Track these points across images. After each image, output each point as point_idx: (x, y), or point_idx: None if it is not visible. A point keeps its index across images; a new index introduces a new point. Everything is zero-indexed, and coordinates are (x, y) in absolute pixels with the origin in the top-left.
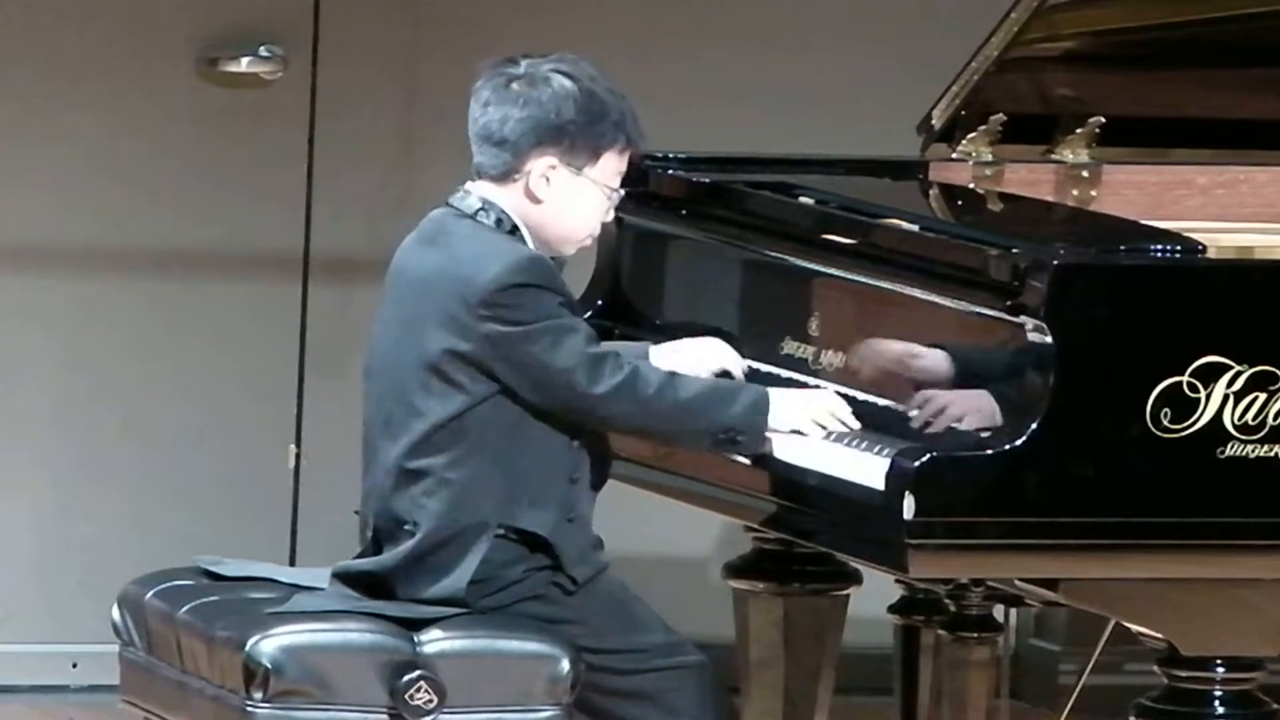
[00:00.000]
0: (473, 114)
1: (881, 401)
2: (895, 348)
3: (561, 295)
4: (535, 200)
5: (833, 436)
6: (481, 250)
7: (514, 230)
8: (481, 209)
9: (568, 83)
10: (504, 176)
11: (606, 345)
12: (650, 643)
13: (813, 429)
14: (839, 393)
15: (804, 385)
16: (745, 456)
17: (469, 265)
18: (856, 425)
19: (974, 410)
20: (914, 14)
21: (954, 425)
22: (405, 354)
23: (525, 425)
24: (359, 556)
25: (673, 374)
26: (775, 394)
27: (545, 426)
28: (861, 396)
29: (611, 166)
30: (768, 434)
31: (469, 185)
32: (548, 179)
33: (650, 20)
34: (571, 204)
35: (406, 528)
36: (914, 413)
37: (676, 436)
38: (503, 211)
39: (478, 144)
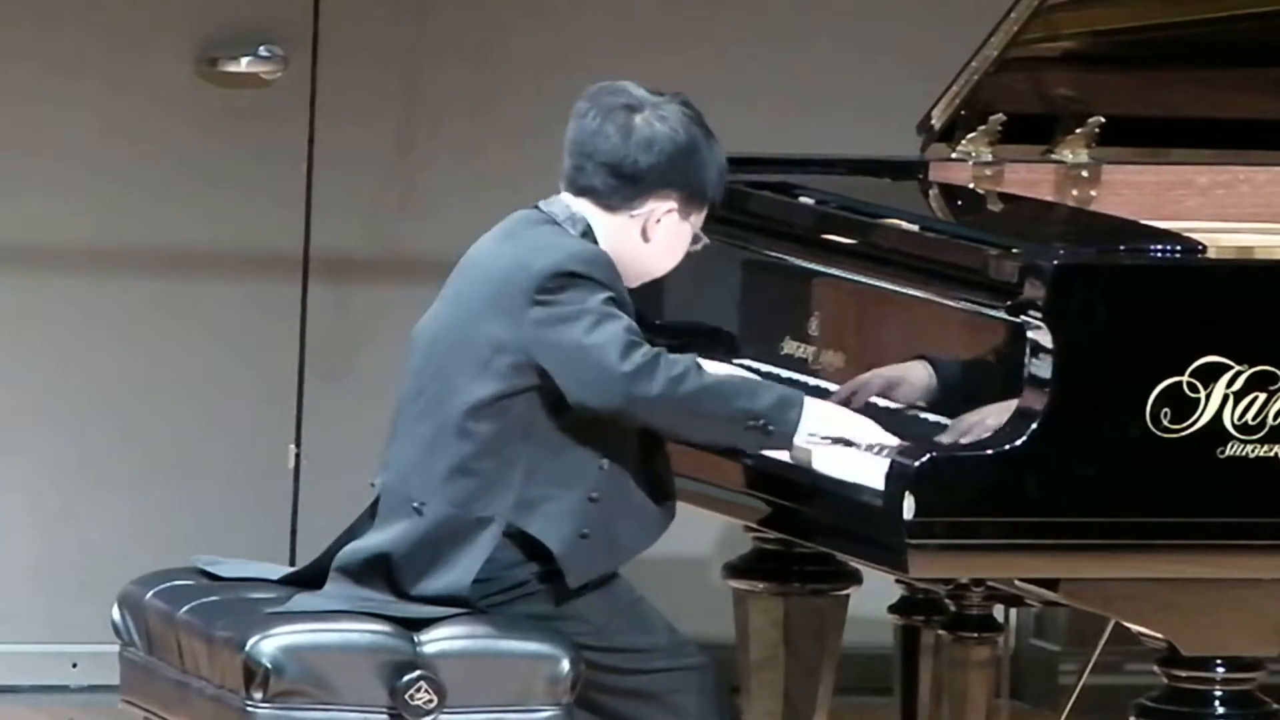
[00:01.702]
0: (590, 139)
1: (882, 403)
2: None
3: (614, 291)
4: (646, 239)
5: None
6: (549, 243)
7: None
8: (569, 219)
9: (695, 129)
10: (616, 207)
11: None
12: (654, 643)
13: (854, 436)
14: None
15: (803, 385)
16: (776, 451)
17: (532, 254)
18: (895, 443)
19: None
20: (914, 14)
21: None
22: (453, 333)
23: (555, 435)
24: (353, 526)
25: (700, 363)
26: (813, 400)
27: (574, 440)
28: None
29: (704, 214)
30: (801, 434)
31: (565, 198)
32: (660, 220)
33: (651, 20)
34: (671, 246)
35: (414, 506)
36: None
37: (705, 424)
38: (589, 227)
39: (598, 170)
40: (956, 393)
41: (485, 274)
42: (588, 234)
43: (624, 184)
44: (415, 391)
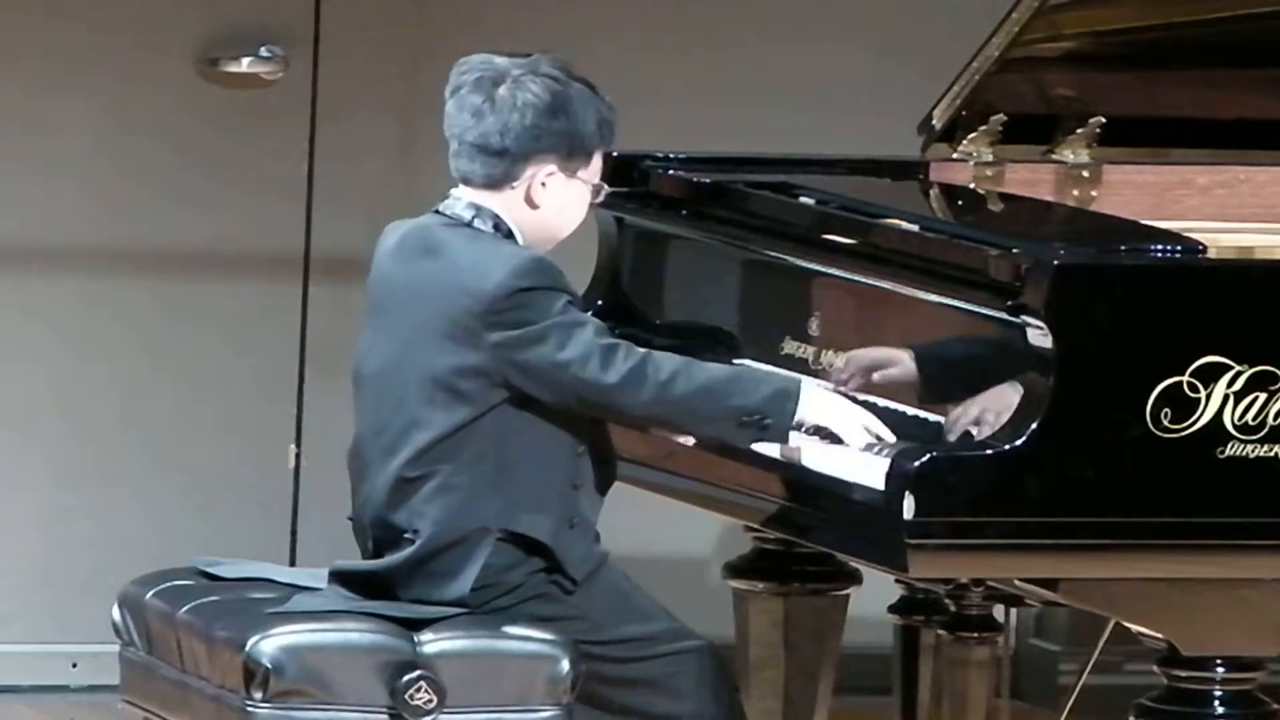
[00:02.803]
0: (458, 119)
1: (881, 402)
2: (891, 352)
3: (567, 294)
4: (533, 206)
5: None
6: (482, 257)
7: (510, 235)
8: (476, 215)
9: (559, 87)
10: (498, 184)
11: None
12: (652, 630)
13: (848, 431)
14: (838, 393)
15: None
16: (774, 445)
17: (471, 274)
18: (892, 439)
19: (1003, 409)
20: (914, 13)
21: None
22: (406, 366)
23: (529, 433)
24: None
25: (689, 360)
26: (810, 384)
27: (550, 433)
28: (861, 397)
29: (598, 164)
30: (797, 425)
31: (455, 191)
32: (544, 185)
33: (650, 19)
34: (566, 206)
35: (407, 535)
36: (953, 429)
37: (698, 424)
38: (497, 216)
39: (470, 152)
40: (956, 393)
41: (425, 301)
42: (500, 224)
43: (497, 159)
44: (376, 429)
